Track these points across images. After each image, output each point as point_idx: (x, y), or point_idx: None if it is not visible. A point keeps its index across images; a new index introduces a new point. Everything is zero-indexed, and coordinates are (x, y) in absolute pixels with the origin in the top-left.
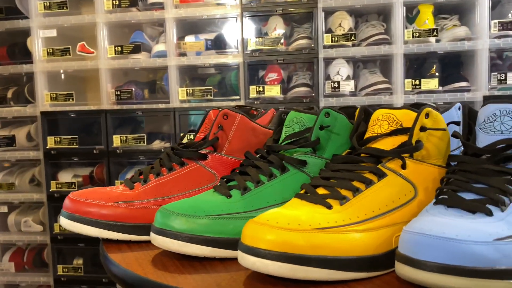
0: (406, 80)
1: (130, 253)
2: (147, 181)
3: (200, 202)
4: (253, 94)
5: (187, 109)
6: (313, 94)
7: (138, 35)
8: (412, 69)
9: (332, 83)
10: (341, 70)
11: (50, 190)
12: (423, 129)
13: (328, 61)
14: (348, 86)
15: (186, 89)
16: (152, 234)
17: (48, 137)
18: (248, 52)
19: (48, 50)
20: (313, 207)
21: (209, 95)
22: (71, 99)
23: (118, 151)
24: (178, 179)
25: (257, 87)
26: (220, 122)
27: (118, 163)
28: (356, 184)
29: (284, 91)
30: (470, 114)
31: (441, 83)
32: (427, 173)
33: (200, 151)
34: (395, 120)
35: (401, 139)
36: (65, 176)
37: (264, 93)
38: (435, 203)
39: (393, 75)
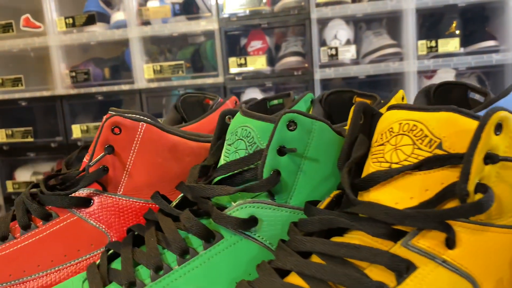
0: (420, 42)
1: None
2: None
3: None
4: (233, 67)
5: (156, 89)
6: (306, 65)
7: (92, 2)
8: (427, 28)
9: (329, 50)
10: (339, 33)
11: (7, 191)
12: (491, 158)
13: (324, 22)
14: (348, 53)
15: (153, 66)
16: None
17: None
18: (225, 16)
19: None
20: None
21: (180, 72)
22: (20, 85)
23: (79, 143)
24: (38, 246)
25: (238, 59)
26: (107, 140)
27: (81, 157)
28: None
29: (272, 62)
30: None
31: (463, 44)
32: (497, 247)
33: (77, 193)
34: (425, 136)
35: (443, 177)
36: (23, 175)
37: (246, 66)
38: None
39: (403, 36)
